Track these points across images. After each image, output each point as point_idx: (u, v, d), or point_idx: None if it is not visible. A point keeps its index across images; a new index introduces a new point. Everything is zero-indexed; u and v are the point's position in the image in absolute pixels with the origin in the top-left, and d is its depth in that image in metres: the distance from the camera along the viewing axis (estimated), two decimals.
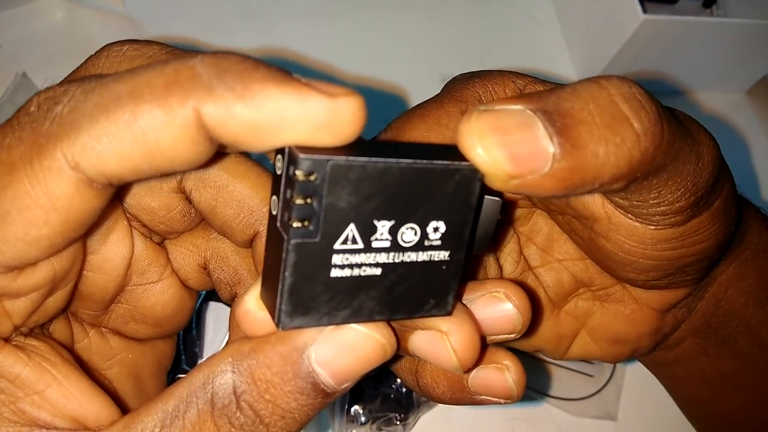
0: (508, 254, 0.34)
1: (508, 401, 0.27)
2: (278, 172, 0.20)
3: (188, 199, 0.28)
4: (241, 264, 0.30)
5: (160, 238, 0.30)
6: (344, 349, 0.22)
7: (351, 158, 0.20)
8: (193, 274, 0.31)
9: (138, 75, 0.20)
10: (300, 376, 0.22)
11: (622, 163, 0.22)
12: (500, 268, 0.33)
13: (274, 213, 0.21)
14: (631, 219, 0.27)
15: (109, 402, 0.24)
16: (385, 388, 0.57)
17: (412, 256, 0.22)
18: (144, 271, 0.29)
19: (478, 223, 0.25)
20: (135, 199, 0.27)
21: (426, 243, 0.22)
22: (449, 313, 0.24)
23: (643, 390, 0.63)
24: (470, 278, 0.28)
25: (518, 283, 0.27)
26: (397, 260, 0.22)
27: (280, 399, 0.22)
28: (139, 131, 0.19)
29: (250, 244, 0.28)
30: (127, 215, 0.28)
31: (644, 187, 0.25)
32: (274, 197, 0.21)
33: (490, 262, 0.33)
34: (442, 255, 0.23)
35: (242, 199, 0.27)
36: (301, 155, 0.19)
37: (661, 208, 0.25)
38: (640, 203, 0.25)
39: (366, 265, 0.21)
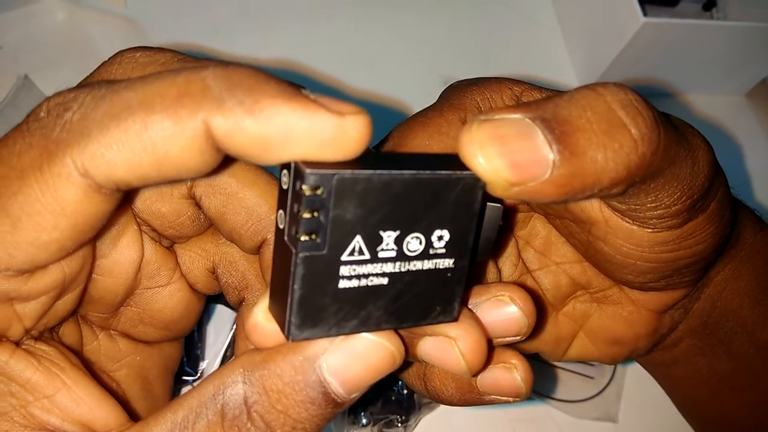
0: (506, 258, 0.34)
1: (517, 399, 0.27)
2: (284, 187, 0.21)
3: (198, 205, 0.28)
4: (249, 269, 0.30)
5: (169, 242, 0.30)
6: (355, 358, 0.22)
7: (356, 171, 0.20)
8: (201, 278, 0.31)
9: (149, 84, 0.20)
10: (311, 386, 0.22)
11: (620, 169, 0.23)
12: (499, 272, 0.34)
13: (281, 227, 0.21)
14: (629, 222, 0.27)
15: (117, 407, 0.24)
16: (386, 390, 0.57)
17: (417, 265, 0.22)
18: (153, 275, 0.29)
19: (481, 229, 0.25)
20: (145, 204, 0.28)
21: (431, 251, 0.22)
22: (455, 319, 0.24)
23: (643, 392, 0.63)
24: (474, 284, 0.28)
25: (521, 285, 0.27)
26: (403, 269, 0.22)
27: (291, 409, 0.22)
28: (148, 141, 0.19)
29: (257, 250, 0.29)
30: (137, 220, 0.28)
31: (642, 191, 0.25)
32: (281, 211, 0.21)
33: (489, 266, 0.33)
34: (447, 262, 0.23)
35: (251, 206, 0.27)
36: (308, 170, 0.19)
37: (659, 211, 0.26)
38: (637, 207, 0.26)
39: (373, 275, 0.22)
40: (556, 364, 0.63)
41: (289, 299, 0.21)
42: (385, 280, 0.22)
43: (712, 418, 0.42)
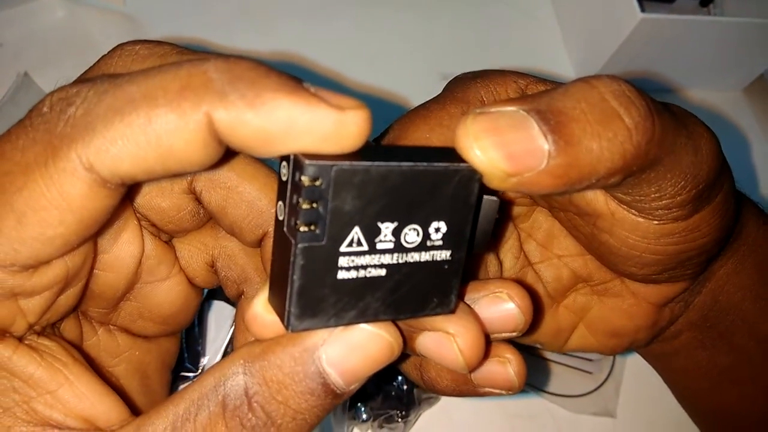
0: (508, 250, 0.34)
1: (510, 392, 0.28)
2: (284, 179, 0.21)
3: (198, 200, 0.28)
4: (249, 262, 0.30)
5: (168, 237, 0.30)
6: (353, 349, 0.22)
7: (355, 163, 0.20)
8: (200, 272, 0.31)
9: (151, 77, 0.20)
10: (310, 377, 0.22)
11: (616, 158, 0.23)
12: (500, 264, 0.34)
13: (280, 218, 0.21)
14: (635, 214, 0.27)
15: (119, 402, 0.24)
16: (386, 386, 0.57)
17: (415, 257, 0.23)
18: (153, 270, 0.29)
19: (478, 222, 0.25)
20: (145, 199, 0.28)
21: (428, 243, 0.23)
22: (452, 312, 0.25)
23: (641, 387, 0.63)
24: (471, 277, 0.28)
25: (519, 282, 0.28)
26: (400, 261, 0.22)
27: (291, 400, 0.22)
28: (153, 134, 0.20)
29: (258, 243, 0.29)
30: (137, 215, 0.28)
31: (644, 181, 0.25)
32: (281, 203, 0.21)
33: (490, 258, 0.33)
34: (444, 255, 0.23)
35: (252, 200, 0.28)
36: (307, 161, 0.19)
37: (663, 201, 0.26)
38: (642, 198, 0.26)
39: (371, 266, 0.22)
40: (554, 359, 0.63)
41: (288, 290, 0.21)
42: (383, 272, 0.22)
43: (713, 411, 0.42)
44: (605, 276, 0.34)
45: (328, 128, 0.20)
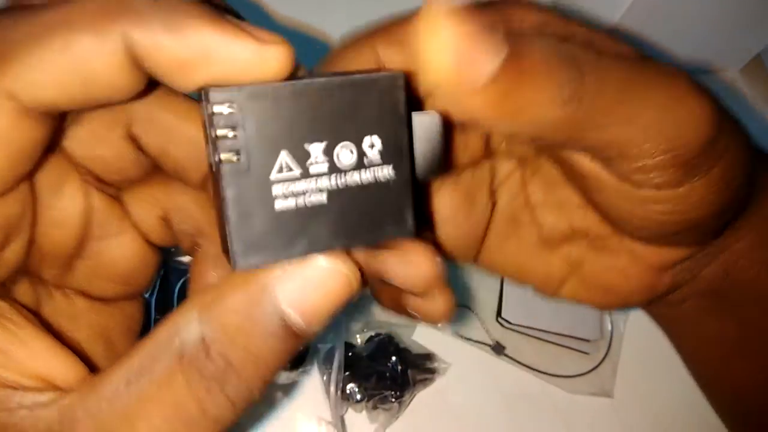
0: (505, 190, 0.34)
1: (435, 324, 0.28)
2: (204, 113, 0.20)
3: (138, 146, 0.28)
4: (202, 214, 0.30)
5: (114, 191, 0.29)
6: (310, 285, 0.21)
7: (266, 84, 0.19)
8: (154, 228, 0.30)
9: (70, 2, 0.20)
10: (269, 319, 0.21)
11: (557, 104, 0.22)
12: (494, 204, 0.33)
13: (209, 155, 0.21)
14: (617, 178, 0.26)
15: (76, 361, 0.24)
16: (380, 367, 0.57)
17: (354, 177, 0.21)
18: (102, 224, 0.29)
19: (421, 143, 0.24)
20: (84, 149, 0.27)
21: (365, 161, 0.22)
22: (412, 233, 0.23)
23: (638, 367, 0.63)
24: (427, 202, 0.27)
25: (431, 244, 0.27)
26: (340, 183, 0.21)
27: (250, 344, 0.21)
28: (72, 58, 0.19)
29: (205, 185, 0.28)
30: (79, 167, 0.27)
31: (594, 139, 0.24)
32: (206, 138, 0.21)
33: (481, 193, 0.33)
34: (387, 172, 0.22)
35: (191, 136, 0.27)
36: (214, 88, 0.19)
37: (634, 165, 0.25)
38: (609, 158, 0.25)
39: (309, 191, 0.21)
40: (551, 340, 0.63)
41: (227, 227, 0.20)
42: (323, 197, 0.21)
43: (726, 386, 0.40)
44: (604, 231, 0.32)
45: (247, 61, 0.19)
